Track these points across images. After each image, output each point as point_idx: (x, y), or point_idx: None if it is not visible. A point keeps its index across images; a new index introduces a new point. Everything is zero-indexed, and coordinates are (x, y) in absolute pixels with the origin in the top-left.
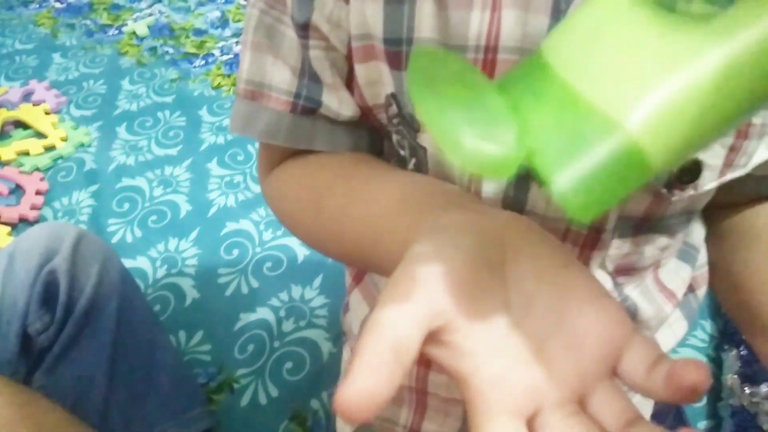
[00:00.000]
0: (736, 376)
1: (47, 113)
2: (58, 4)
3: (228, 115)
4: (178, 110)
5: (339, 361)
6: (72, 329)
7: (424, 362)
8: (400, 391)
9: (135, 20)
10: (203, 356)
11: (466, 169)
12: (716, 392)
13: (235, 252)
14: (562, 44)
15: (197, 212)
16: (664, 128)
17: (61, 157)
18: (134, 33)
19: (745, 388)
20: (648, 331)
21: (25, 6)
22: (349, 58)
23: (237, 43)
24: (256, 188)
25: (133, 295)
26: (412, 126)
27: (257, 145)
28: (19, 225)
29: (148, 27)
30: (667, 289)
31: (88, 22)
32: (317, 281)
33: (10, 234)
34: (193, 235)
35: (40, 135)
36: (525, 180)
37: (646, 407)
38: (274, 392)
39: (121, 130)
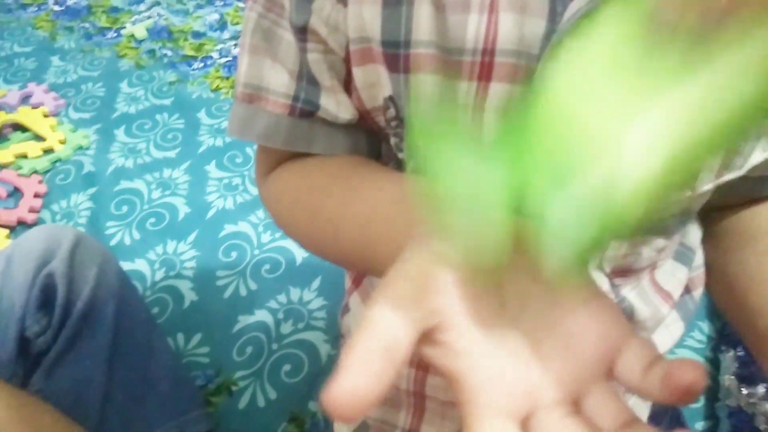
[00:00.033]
0: (733, 377)
1: (46, 116)
2: (56, 7)
3: (226, 117)
4: (177, 113)
5: (337, 363)
6: (70, 332)
7: (422, 366)
8: (398, 394)
9: (133, 23)
10: (201, 358)
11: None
12: (713, 393)
13: (234, 254)
14: (555, 79)
15: (196, 215)
16: (655, 164)
17: (60, 160)
18: (133, 36)
19: (742, 389)
20: (645, 332)
21: (23, 9)
22: (347, 61)
23: (235, 45)
24: (255, 190)
25: (131, 298)
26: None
27: (255, 147)
28: (17, 228)
29: (147, 30)
30: (663, 291)
31: (87, 24)
32: (315, 283)
33: (8, 237)
34: (192, 237)
35: (38, 138)
36: None
37: (643, 409)
38: (272, 394)
39: (120, 133)
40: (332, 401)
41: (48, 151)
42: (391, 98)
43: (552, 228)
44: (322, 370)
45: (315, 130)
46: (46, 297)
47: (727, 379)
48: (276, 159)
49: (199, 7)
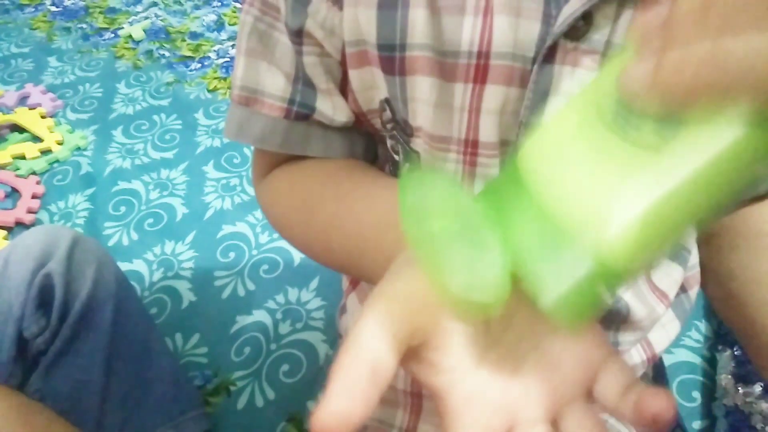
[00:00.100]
0: (730, 376)
1: (43, 117)
2: (53, 8)
3: (224, 118)
4: (174, 113)
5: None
6: (68, 332)
7: None
8: (395, 393)
9: (131, 24)
10: (200, 359)
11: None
12: (710, 392)
13: (232, 255)
14: (535, 160)
15: (193, 215)
16: (638, 234)
17: (57, 161)
18: (130, 36)
19: (739, 388)
20: (640, 331)
21: (20, 9)
22: (343, 64)
23: (233, 46)
24: (252, 191)
25: (128, 298)
26: (405, 131)
27: (252, 148)
28: (15, 228)
29: (144, 30)
30: (659, 290)
31: (84, 25)
32: (313, 284)
33: (6, 238)
34: (190, 238)
35: (36, 138)
36: None
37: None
38: (270, 394)
39: (117, 134)
40: (320, 425)
41: (45, 152)
42: (386, 101)
43: (546, 290)
44: (320, 370)
45: (311, 133)
46: (44, 297)
47: (724, 378)
48: (272, 161)
49: (196, 7)
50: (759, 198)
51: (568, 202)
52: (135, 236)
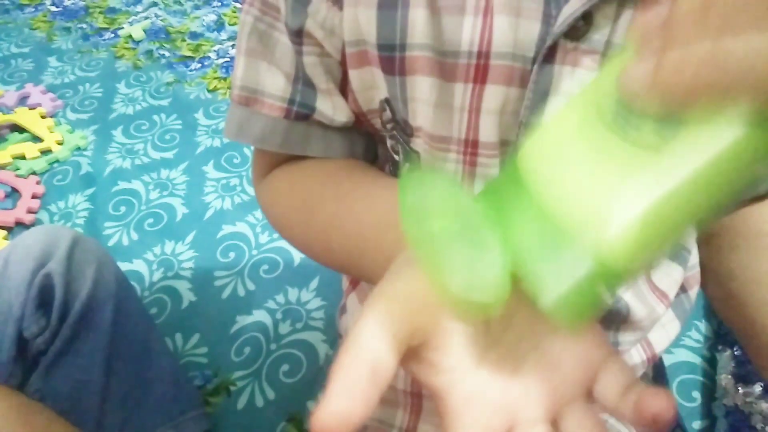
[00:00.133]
0: (730, 376)
1: (43, 117)
2: (53, 8)
3: (224, 118)
4: (174, 113)
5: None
6: (68, 332)
7: None
8: (395, 393)
9: (131, 24)
10: (200, 359)
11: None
12: (710, 392)
13: (232, 255)
14: (535, 159)
15: (193, 215)
16: (638, 234)
17: (57, 161)
18: (130, 36)
19: (739, 388)
20: (640, 331)
21: (20, 9)
22: (343, 64)
23: (233, 46)
24: (252, 191)
25: (128, 298)
26: (405, 131)
27: (253, 148)
28: (15, 228)
29: (144, 30)
30: (659, 290)
31: (84, 25)
32: (313, 284)
33: (6, 238)
34: (190, 238)
35: (36, 138)
36: None
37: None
38: (270, 394)
39: (117, 134)
40: (320, 425)
41: (46, 152)
42: (386, 101)
43: (546, 290)
44: (320, 370)
45: (311, 133)
46: (44, 297)
47: (724, 379)
48: (272, 161)
49: (196, 7)
50: (759, 198)
51: (568, 201)
52: (135, 236)
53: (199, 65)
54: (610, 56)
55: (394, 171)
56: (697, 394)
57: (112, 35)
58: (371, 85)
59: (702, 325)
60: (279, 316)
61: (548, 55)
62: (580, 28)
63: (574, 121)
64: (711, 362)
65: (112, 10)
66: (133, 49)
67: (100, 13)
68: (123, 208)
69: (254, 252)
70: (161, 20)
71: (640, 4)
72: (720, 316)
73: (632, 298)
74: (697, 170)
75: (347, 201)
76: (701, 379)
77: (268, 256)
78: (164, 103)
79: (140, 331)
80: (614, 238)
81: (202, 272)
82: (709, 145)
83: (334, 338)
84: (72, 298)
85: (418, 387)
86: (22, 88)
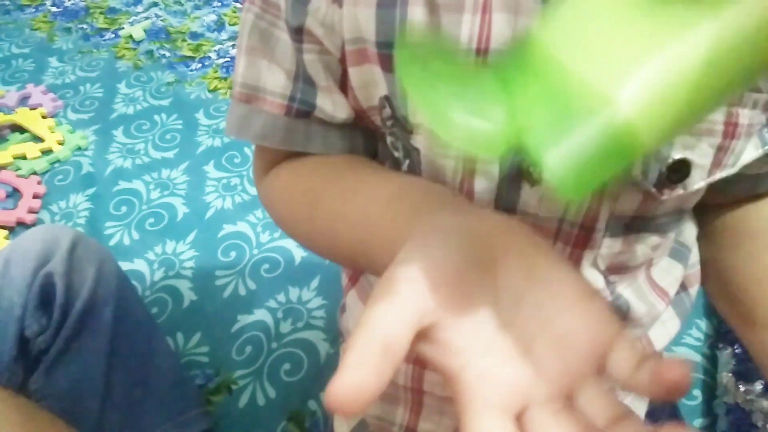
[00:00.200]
0: (730, 374)
1: (44, 117)
2: (54, 8)
3: (225, 117)
4: (175, 113)
5: (336, 362)
6: (69, 332)
7: (420, 361)
8: (396, 390)
9: (131, 24)
10: (201, 358)
11: (456, 146)
12: (711, 390)
13: (233, 254)
14: (553, 23)
15: (194, 215)
16: (654, 105)
17: (58, 161)
18: (131, 36)
19: (740, 386)
20: (641, 329)
21: (21, 10)
22: (342, 62)
23: (233, 46)
24: (253, 190)
25: (129, 298)
26: (405, 128)
27: (253, 147)
28: (16, 228)
29: (145, 30)
30: (659, 288)
31: (85, 26)
32: (314, 283)
33: (7, 237)
34: (191, 237)
35: (37, 139)
36: (517, 180)
37: (640, 406)
38: (272, 393)
39: (118, 134)
40: (334, 397)
41: (46, 152)
42: (386, 98)
43: (551, 154)
44: (321, 368)
45: (311, 129)
46: (45, 297)
47: (725, 377)
48: (273, 158)
49: (196, 8)
50: (759, 196)
51: (586, 57)
52: (136, 236)
53: (200, 65)
54: None
55: (393, 167)
56: (697, 392)
57: (113, 35)
58: (371, 82)
59: (703, 323)
60: (280, 315)
61: None
62: None
63: None
64: (712, 360)
65: (113, 10)
66: (134, 49)
67: (101, 13)
68: (124, 208)
69: (255, 251)
70: (162, 20)
71: None
72: (720, 315)
73: (632, 296)
74: (721, 41)
75: (351, 193)
76: (702, 377)
77: (269, 256)
78: (165, 103)
79: (141, 330)
80: (628, 102)
81: (203, 271)
82: (736, 17)
83: (335, 337)
84: (73, 298)
85: (419, 384)
86: (23, 88)
